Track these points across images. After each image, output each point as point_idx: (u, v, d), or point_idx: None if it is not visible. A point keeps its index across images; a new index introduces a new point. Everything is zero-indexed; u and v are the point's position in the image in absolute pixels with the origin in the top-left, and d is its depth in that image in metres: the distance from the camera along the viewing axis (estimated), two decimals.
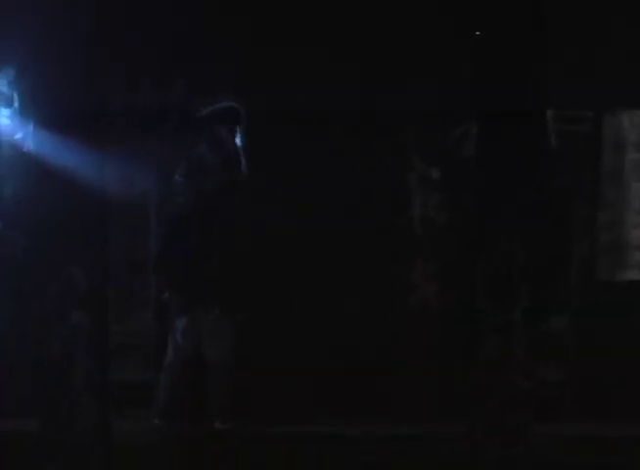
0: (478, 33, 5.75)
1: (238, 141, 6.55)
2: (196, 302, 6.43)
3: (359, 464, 6.02)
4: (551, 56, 5.61)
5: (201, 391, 6.51)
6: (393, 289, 6.87)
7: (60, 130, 5.23)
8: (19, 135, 6.60)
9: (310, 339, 6.77)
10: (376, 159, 6.80)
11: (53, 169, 4.98)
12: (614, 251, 6.90)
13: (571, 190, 6.89)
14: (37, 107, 5.59)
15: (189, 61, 6.71)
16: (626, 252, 6.92)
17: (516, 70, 5.38)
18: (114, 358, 6.08)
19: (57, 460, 4.86)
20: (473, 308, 5.42)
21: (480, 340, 5.30)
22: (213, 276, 6.43)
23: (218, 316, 6.44)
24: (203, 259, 6.41)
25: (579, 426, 6.57)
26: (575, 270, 6.94)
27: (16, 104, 6.64)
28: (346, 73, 6.60)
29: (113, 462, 4.98)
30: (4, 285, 6.54)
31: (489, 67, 5.49)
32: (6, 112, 6.66)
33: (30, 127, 6.22)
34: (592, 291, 6.91)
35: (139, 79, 6.80)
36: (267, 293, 6.76)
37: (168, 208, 6.69)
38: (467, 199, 6.19)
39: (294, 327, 6.78)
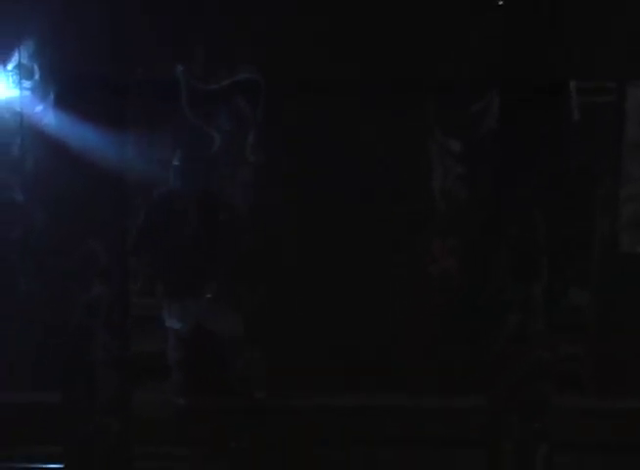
0: (500, 3, 5.70)
1: (257, 114, 6.56)
2: (186, 287, 6.43)
3: (379, 437, 6.06)
4: (572, 25, 5.54)
5: (221, 364, 6.55)
6: (411, 263, 6.86)
7: (80, 103, 5.21)
8: (39, 108, 6.62)
9: (328, 311, 6.79)
10: (395, 130, 6.77)
11: (73, 142, 4.97)
12: (635, 225, 6.86)
13: (594, 163, 6.85)
14: (58, 79, 5.57)
15: (208, 31, 6.69)
16: None
17: (537, 41, 5.33)
18: (135, 330, 6.13)
19: (77, 432, 4.89)
20: (493, 282, 5.40)
21: (500, 313, 5.28)
22: (205, 262, 6.42)
23: (211, 300, 6.45)
24: (193, 245, 6.39)
25: (599, 400, 6.57)
26: (597, 244, 6.91)
27: (36, 76, 6.66)
28: (367, 43, 6.56)
29: (132, 433, 5.00)
30: (24, 257, 6.61)
31: (511, 37, 5.43)
32: (27, 84, 6.68)
33: (51, 100, 6.23)
34: (614, 265, 6.88)
35: (159, 51, 6.78)
36: (284, 267, 6.78)
37: (161, 190, 6.69)
38: (487, 172, 6.16)
39: (315, 298, 6.79)
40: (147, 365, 6.56)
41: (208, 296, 6.43)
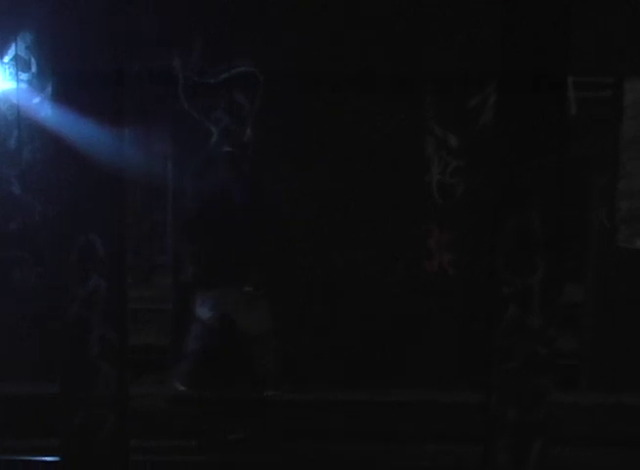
0: None
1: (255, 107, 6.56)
2: (223, 278, 6.40)
3: (378, 431, 6.06)
4: (573, 21, 5.54)
5: (241, 358, 6.54)
6: (409, 255, 6.87)
7: (78, 96, 5.19)
8: (36, 100, 6.61)
9: (330, 306, 6.79)
10: (393, 123, 6.77)
11: (70, 135, 4.96)
12: (633, 219, 6.86)
13: (591, 158, 6.85)
14: (55, 72, 5.56)
15: (205, 24, 6.68)
16: None
17: (537, 35, 5.32)
18: (132, 323, 6.12)
19: (73, 424, 4.89)
20: (489, 276, 5.39)
21: (496, 307, 5.28)
22: (243, 254, 6.40)
23: (248, 293, 6.43)
24: (234, 237, 6.37)
25: (597, 395, 6.57)
26: (594, 238, 6.91)
27: (33, 68, 6.65)
28: (364, 37, 6.56)
29: (128, 426, 5.00)
30: (22, 249, 6.61)
31: (509, 32, 5.41)
32: (24, 76, 6.67)
33: (48, 92, 6.22)
34: (611, 259, 6.89)
35: (156, 44, 6.77)
36: (288, 265, 6.77)
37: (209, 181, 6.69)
38: (484, 166, 6.16)
39: (318, 295, 6.79)
40: (146, 357, 6.58)
41: (247, 288, 6.42)
